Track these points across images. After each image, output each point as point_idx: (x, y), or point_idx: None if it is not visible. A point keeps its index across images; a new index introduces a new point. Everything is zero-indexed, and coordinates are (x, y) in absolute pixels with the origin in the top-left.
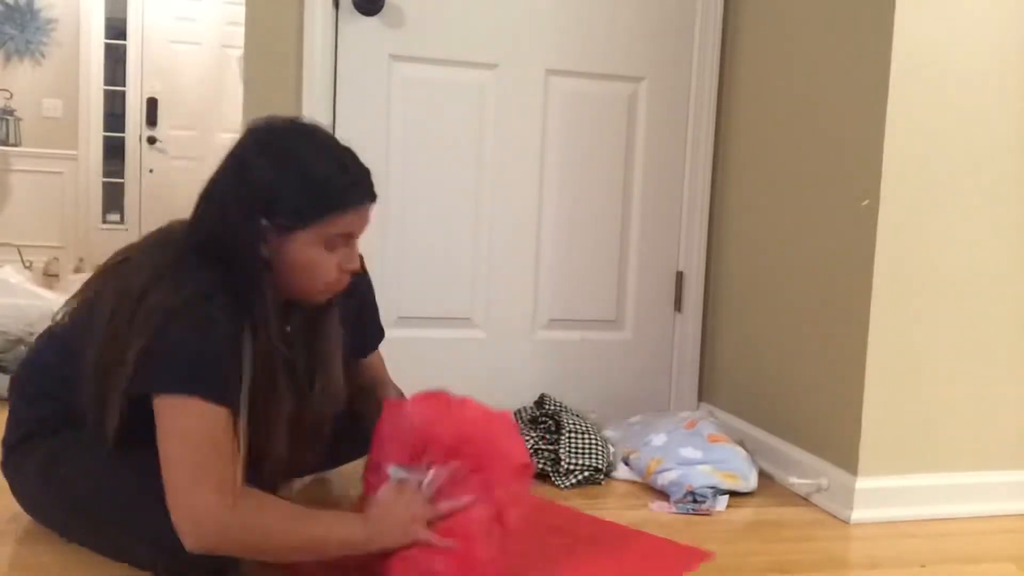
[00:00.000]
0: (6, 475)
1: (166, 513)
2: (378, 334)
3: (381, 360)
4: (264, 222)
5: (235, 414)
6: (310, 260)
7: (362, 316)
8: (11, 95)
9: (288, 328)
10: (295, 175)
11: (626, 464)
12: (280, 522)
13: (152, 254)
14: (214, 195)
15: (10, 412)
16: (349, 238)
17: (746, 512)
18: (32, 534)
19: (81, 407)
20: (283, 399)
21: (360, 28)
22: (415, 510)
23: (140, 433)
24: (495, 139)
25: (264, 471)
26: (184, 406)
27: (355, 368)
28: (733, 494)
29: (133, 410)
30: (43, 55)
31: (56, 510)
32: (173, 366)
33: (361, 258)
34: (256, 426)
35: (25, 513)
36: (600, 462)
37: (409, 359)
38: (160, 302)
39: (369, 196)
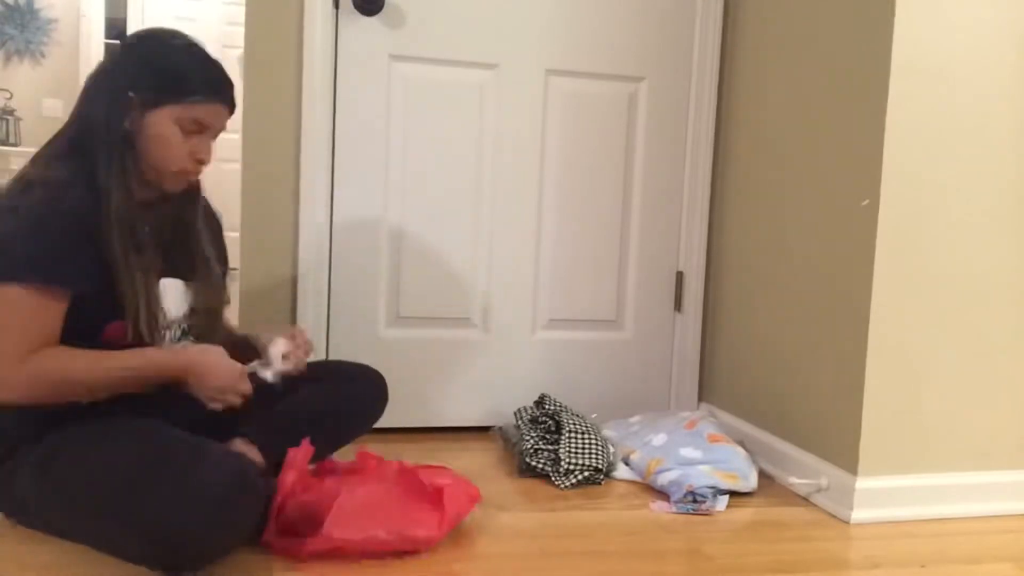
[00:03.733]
0: None
1: (158, 505)
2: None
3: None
4: (131, 94)
5: (61, 291)
6: (165, 137)
7: (217, 243)
8: (11, 95)
9: (154, 216)
10: (165, 60)
11: (626, 464)
12: (78, 360)
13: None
14: (87, 86)
15: None
16: (203, 128)
17: (746, 512)
18: (32, 534)
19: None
20: (140, 256)
21: (360, 28)
22: (236, 370)
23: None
24: (495, 139)
25: (152, 329)
26: None
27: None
28: (733, 494)
29: None
30: (43, 55)
31: (53, 511)
32: None
33: (209, 206)
34: (118, 285)
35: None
36: (600, 462)
37: (409, 359)
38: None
39: (226, 98)
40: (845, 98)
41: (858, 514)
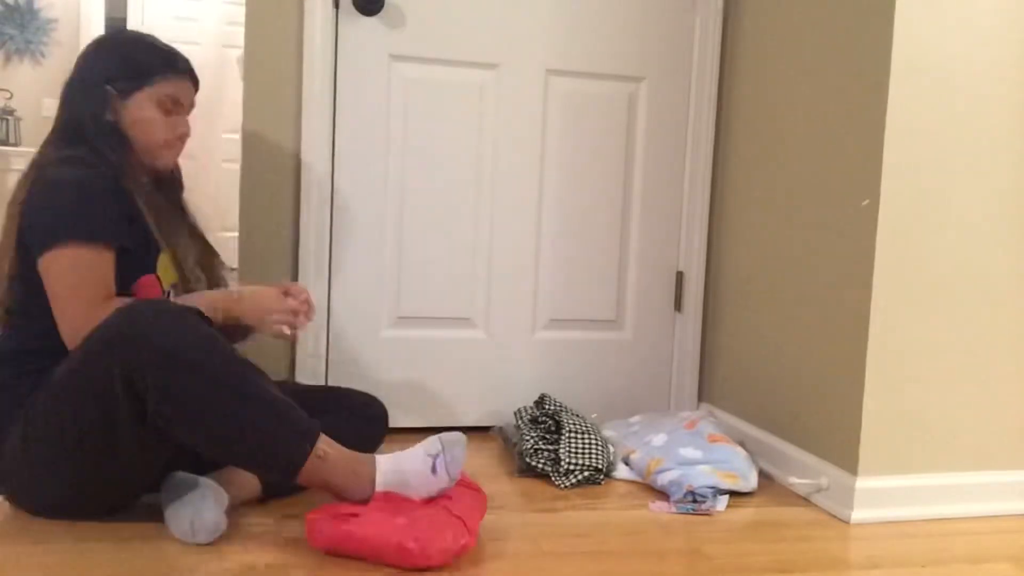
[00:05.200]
0: None
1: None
2: None
3: None
4: (108, 88)
5: (107, 245)
6: (149, 118)
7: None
8: (11, 95)
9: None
10: (128, 53)
11: (626, 464)
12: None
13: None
14: (65, 92)
15: None
16: (176, 105)
17: (746, 512)
18: (32, 533)
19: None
20: (175, 216)
21: (360, 28)
22: (275, 291)
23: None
24: (495, 139)
25: (186, 277)
26: (56, 256)
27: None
28: (733, 494)
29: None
30: (43, 55)
31: (27, 472)
32: (44, 226)
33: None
34: (168, 239)
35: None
36: (600, 462)
37: (409, 359)
38: (25, 184)
39: (187, 73)
40: (845, 98)
41: (858, 514)
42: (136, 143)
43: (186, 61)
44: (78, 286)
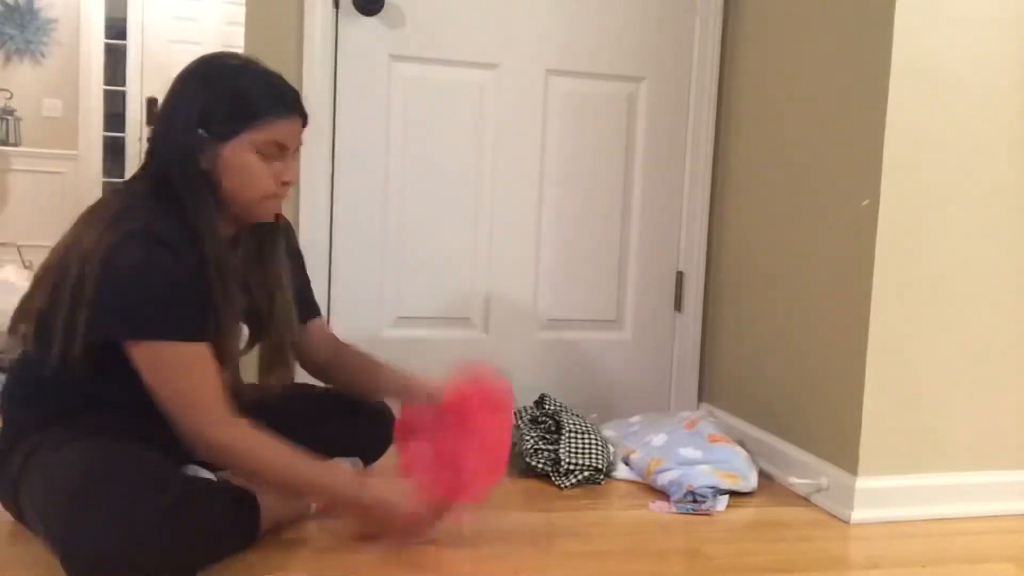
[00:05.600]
0: None
1: (86, 524)
2: (314, 300)
3: (331, 332)
4: (201, 132)
5: (206, 340)
6: (245, 166)
7: (303, 278)
8: (11, 95)
9: (240, 252)
10: (227, 87)
11: (626, 464)
12: (274, 455)
13: (101, 212)
14: (158, 126)
15: (3, 415)
16: (282, 149)
17: (746, 512)
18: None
19: (72, 403)
20: (235, 300)
21: (360, 28)
22: (421, 517)
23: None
24: (495, 139)
25: (232, 377)
26: (157, 350)
27: (307, 338)
28: (733, 494)
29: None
30: (43, 55)
31: (25, 504)
32: (132, 313)
33: (292, 229)
34: (219, 333)
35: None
36: (600, 462)
37: (409, 359)
38: (102, 249)
39: (297, 110)
40: (845, 98)
41: (858, 514)
42: (231, 194)
43: (297, 95)
44: (202, 386)
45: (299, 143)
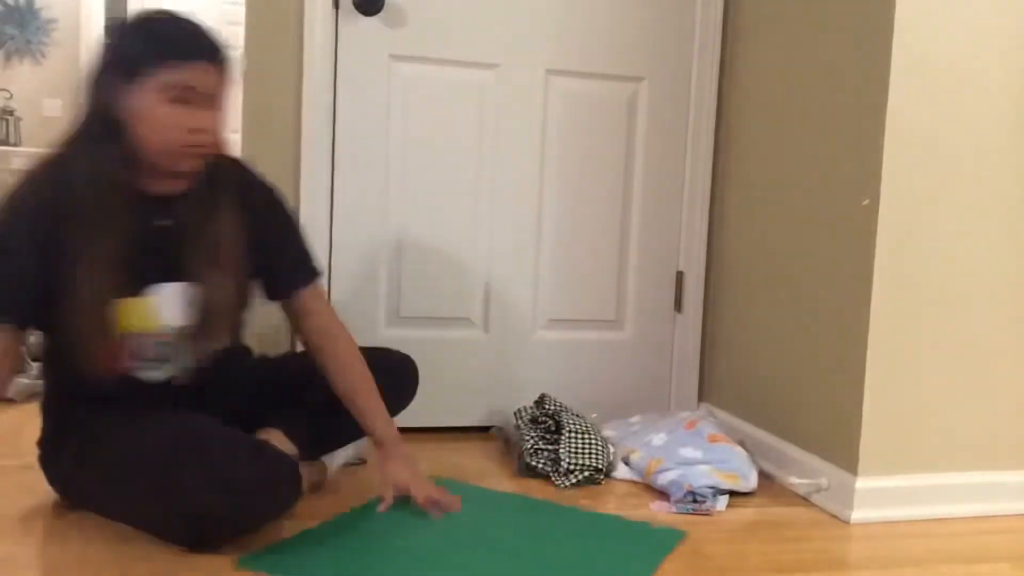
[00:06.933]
0: (43, 468)
1: (190, 486)
2: (305, 267)
3: (327, 305)
4: (110, 76)
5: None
6: (153, 112)
7: (281, 243)
8: (11, 95)
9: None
10: (138, 32)
11: (626, 464)
12: None
13: None
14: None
15: (43, 407)
16: (194, 94)
17: (746, 512)
18: (53, 533)
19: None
20: (113, 260)
21: (360, 28)
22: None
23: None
24: (495, 139)
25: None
26: None
27: (295, 311)
28: (733, 494)
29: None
30: (43, 55)
31: (92, 489)
32: None
33: (267, 187)
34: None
35: (46, 511)
36: (600, 462)
37: None
38: None
39: (206, 55)
40: (845, 98)
41: (858, 514)
42: (146, 144)
43: (207, 38)
44: None
45: (216, 92)
